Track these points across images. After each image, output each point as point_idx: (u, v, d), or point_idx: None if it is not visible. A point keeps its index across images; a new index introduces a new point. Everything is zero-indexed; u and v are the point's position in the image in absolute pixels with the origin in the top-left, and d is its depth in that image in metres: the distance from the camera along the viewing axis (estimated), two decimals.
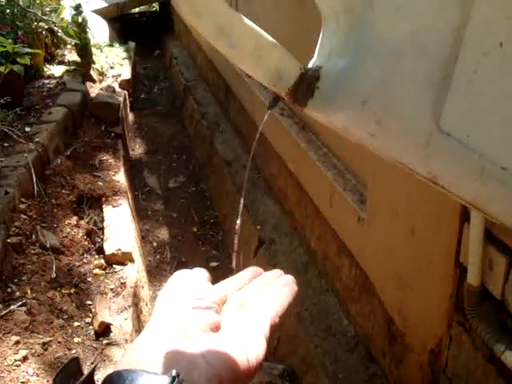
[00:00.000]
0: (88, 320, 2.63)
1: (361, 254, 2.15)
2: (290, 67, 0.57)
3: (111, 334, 2.56)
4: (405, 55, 0.50)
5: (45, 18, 5.15)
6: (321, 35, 0.62)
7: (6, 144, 3.61)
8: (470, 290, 1.40)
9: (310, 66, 0.61)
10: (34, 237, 2.96)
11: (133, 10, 9.21)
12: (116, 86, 5.66)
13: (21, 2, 5.08)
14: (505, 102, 0.50)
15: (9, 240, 2.79)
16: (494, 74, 0.50)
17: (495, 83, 0.50)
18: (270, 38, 0.57)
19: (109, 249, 3.09)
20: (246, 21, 0.56)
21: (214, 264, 3.61)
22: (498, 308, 1.38)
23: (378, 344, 2.12)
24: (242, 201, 0.72)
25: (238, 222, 0.71)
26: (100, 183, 3.78)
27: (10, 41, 3.65)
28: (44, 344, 2.39)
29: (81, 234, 3.25)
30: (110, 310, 2.68)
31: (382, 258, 1.96)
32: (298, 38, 2.50)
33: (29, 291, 2.63)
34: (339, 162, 2.42)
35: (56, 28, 5.36)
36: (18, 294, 2.61)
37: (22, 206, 3.09)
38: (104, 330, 2.55)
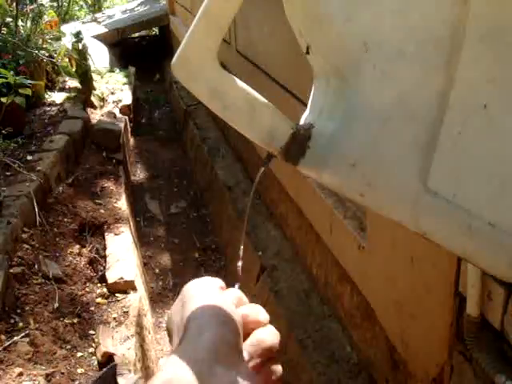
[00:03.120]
0: (91, 350, 2.63)
1: (362, 281, 2.16)
2: (282, 127, 0.58)
3: None
4: (392, 119, 0.52)
5: (46, 52, 5.19)
6: (313, 90, 0.64)
7: (7, 173, 3.63)
8: (470, 321, 1.41)
9: (302, 121, 0.62)
10: (36, 266, 2.97)
11: (133, 35, 9.29)
12: (117, 111, 5.70)
13: (22, 31, 5.14)
14: (489, 161, 0.52)
15: (11, 270, 2.80)
16: (479, 134, 0.52)
17: (480, 143, 0.52)
18: (262, 99, 0.59)
19: (111, 277, 3.10)
20: (239, 83, 0.58)
21: None
22: (498, 338, 1.38)
23: (381, 371, 2.12)
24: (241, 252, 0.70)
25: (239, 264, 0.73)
26: (102, 211, 3.80)
27: (11, 73, 3.69)
28: (47, 375, 2.39)
29: (83, 263, 3.26)
30: (113, 340, 2.68)
31: (382, 285, 1.97)
32: (296, 62, 2.53)
33: (32, 322, 2.64)
34: None
35: (56, 55, 5.41)
36: (20, 324, 2.61)
37: (25, 236, 3.10)
38: (107, 360, 2.55)
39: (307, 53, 0.60)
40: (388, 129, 0.53)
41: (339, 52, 0.54)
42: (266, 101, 0.60)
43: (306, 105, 2.05)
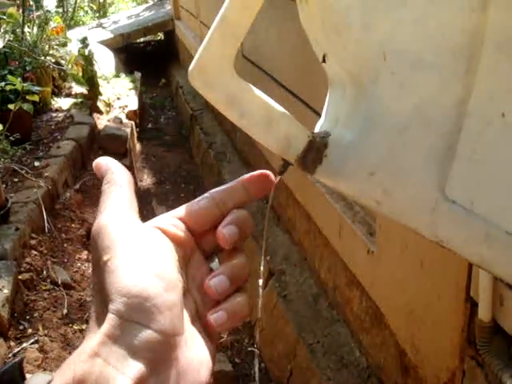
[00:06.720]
0: None
1: (371, 285, 2.15)
2: (299, 135, 0.58)
3: None
4: (410, 128, 0.52)
5: (52, 58, 5.21)
6: (328, 97, 0.64)
7: (15, 179, 3.65)
8: (481, 326, 1.40)
9: (317, 129, 0.62)
10: (45, 273, 2.98)
11: (138, 40, 9.31)
12: (123, 116, 5.71)
13: (28, 38, 5.16)
14: (507, 170, 0.52)
15: (20, 276, 2.81)
16: (497, 143, 0.52)
17: (497, 152, 0.52)
18: (279, 107, 0.59)
19: None
20: (256, 91, 0.58)
21: None
22: (510, 343, 1.38)
23: (391, 376, 2.11)
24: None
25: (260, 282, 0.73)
26: None
27: (19, 79, 3.71)
28: None
29: (91, 269, 3.26)
30: None
31: (392, 290, 1.96)
32: (304, 68, 2.53)
33: (41, 328, 2.64)
34: None
35: (63, 61, 5.43)
36: (30, 331, 2.62)
37: (33, 242, 3.11)
38: None
39: (323, 61, 0.60)
40: (406, 137, 0.53)
41: (357, 61, 0.54)
42: (283, 109, 0.60)
43: (315, 111, 2.05)
